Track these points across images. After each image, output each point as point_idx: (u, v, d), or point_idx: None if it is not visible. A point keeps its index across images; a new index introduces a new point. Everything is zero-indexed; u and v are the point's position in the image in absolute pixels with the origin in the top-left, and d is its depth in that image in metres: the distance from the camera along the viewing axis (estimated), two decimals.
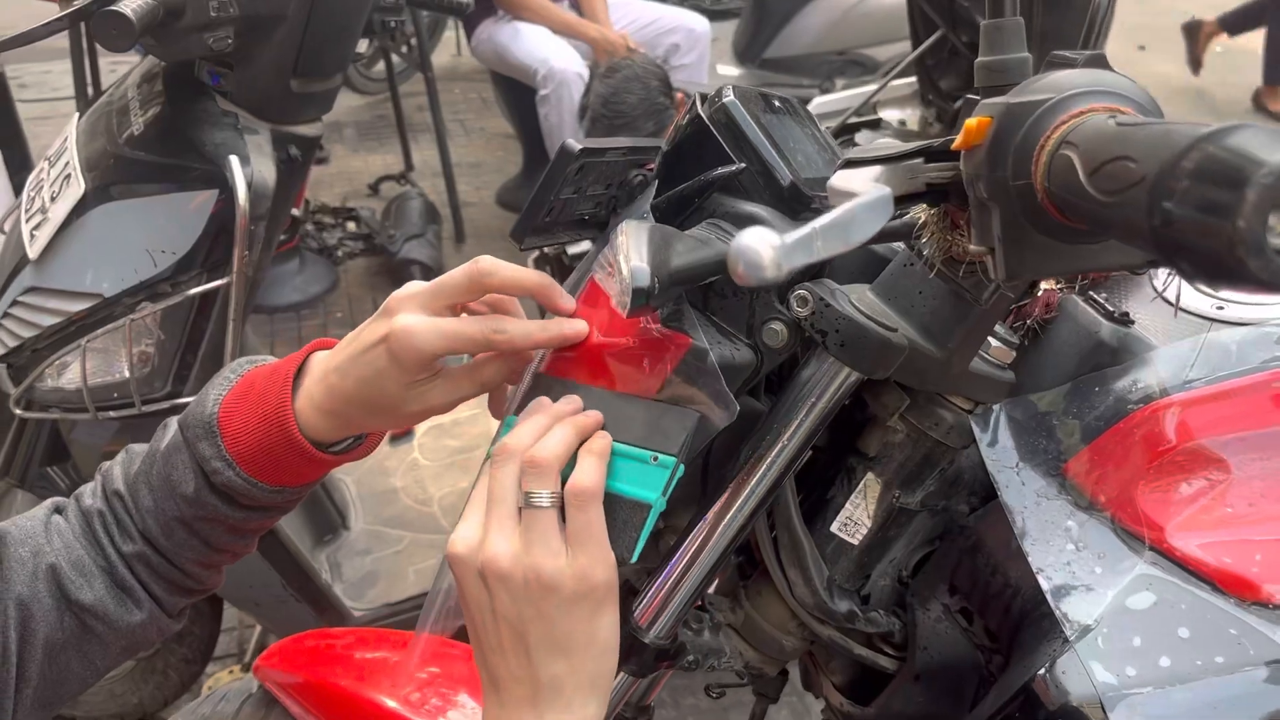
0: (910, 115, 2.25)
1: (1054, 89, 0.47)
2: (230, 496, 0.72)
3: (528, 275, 0.69)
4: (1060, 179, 0.42)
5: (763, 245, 0.36)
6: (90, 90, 1.71)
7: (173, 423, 0.75)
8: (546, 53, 3.54)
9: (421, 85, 4.04)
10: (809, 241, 0.38)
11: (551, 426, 0.66)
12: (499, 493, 0.63)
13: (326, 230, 3.85)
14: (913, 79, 2.28)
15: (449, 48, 6.24)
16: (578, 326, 0.69)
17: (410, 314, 0.67)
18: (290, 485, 0.74)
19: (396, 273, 3.64)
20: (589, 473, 0.63)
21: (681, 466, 0.67)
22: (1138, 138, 0.37)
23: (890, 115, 2.26)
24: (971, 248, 0.52)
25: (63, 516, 0.75)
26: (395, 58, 4.23)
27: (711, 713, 1.96)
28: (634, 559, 0.64)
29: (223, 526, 0.74)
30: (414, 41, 4.09)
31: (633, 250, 0.62)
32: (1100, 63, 0.49)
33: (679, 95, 2.93)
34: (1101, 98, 0.45)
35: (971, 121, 0.48)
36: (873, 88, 2.32)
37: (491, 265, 0.68)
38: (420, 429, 2.23)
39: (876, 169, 0.54)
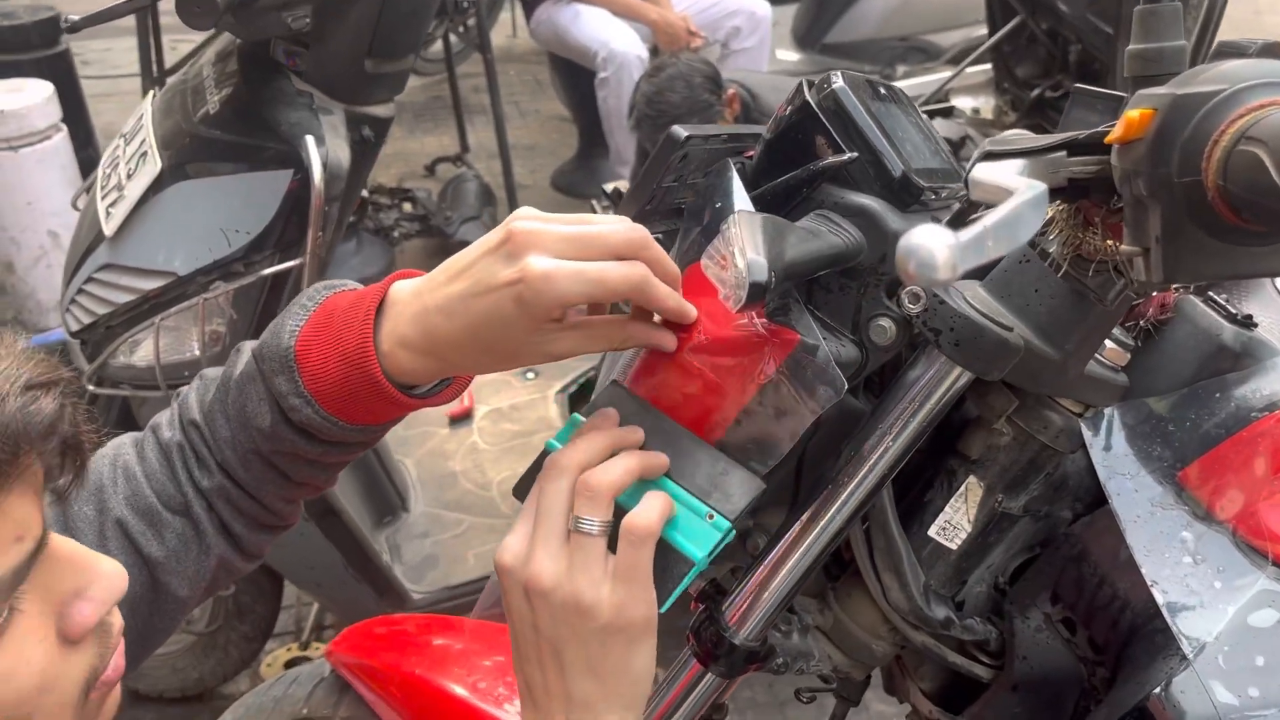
0: (984, 103, 2.20)
1: (1227, 80, 0.44)
2: (308, 433, 0.68)
3: (672, 264, 0.66)
4: (1243, 178, 0.40)
5: (938, 245, 0.34)
6: (155, 69, 1.72)
7: (246, 349, 0.70)
8: (607, 35, 3.52)
9: (476, 66, 4.04)
10: (981, 241, 0.36)
11: (609, 450, 0.64)
12: (547, 509, 0.63)
13: (383, 211, 3.86)
14: (985, 66, 2.23)
15: (505, 28, 6.23)
16: (694, 310, 0.67)
17: (544, 256, 0.61)
18: (372, 424, 0.70)
19: (452, 254, 3.64)
20: (650, 514, 0.62)
21: (733, 533, 0.65)
22: None
23: (963, 103, 2.21)
24: (1124, 248, 0.49)
25: (137, 452, 0.72)
26: (453, 38, 4.23)
27: (768, 707, 1.94)
28: (662, 610, 0.64)
29: (301, 460, 0.71)
30: (471, 22, 4.07)
31: (748, 242, 0.59)
32: (1275, 51, 0.45)
33: (730, 91, 2.89)
34: None
35: (1132, 113, 0.45)
36: (946, 74, 2.27)
37: (650, 239, 0.64)
38: (479, 413, 2.23)
39: (1019, 162, 0.51)
